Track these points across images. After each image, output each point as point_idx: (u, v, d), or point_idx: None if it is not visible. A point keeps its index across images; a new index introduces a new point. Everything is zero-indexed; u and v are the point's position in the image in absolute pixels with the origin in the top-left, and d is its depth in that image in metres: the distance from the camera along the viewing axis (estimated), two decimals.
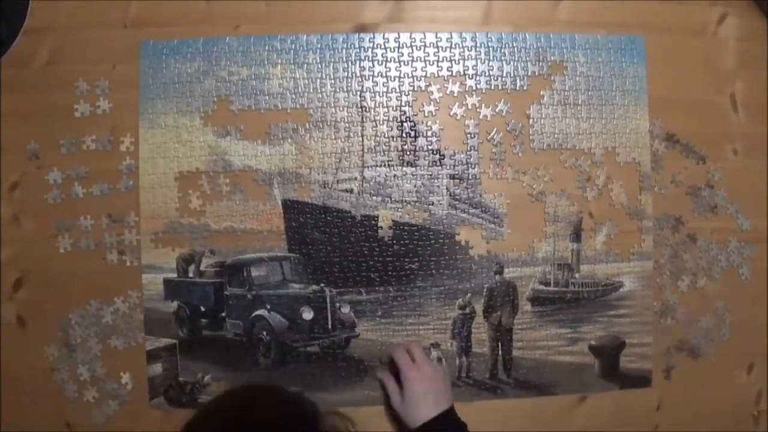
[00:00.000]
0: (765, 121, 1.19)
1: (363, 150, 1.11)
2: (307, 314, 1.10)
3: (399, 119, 1.11)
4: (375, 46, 1.11)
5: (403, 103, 1.11)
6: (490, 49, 1.12)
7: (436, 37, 1.11)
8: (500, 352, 1.13)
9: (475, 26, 1.12)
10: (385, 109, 1.11)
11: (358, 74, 1.11)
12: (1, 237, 1.10)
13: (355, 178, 1.11)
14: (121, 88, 1.09)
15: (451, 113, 1.12)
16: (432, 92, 1.11)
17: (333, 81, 1.10)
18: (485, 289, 1.12)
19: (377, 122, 1.11)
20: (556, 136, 1.13)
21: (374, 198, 1.11)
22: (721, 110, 1.18)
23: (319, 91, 1.10)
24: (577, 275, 1.14)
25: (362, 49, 1.11)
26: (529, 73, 1.13)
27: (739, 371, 1.19)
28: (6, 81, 1.09)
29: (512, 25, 1.13)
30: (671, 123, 1.16)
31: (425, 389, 0.97)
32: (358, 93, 1.11)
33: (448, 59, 1.12)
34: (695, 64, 1.17)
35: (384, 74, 1.11)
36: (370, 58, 1.11)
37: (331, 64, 1.10)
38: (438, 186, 1.12)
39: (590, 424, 1.14)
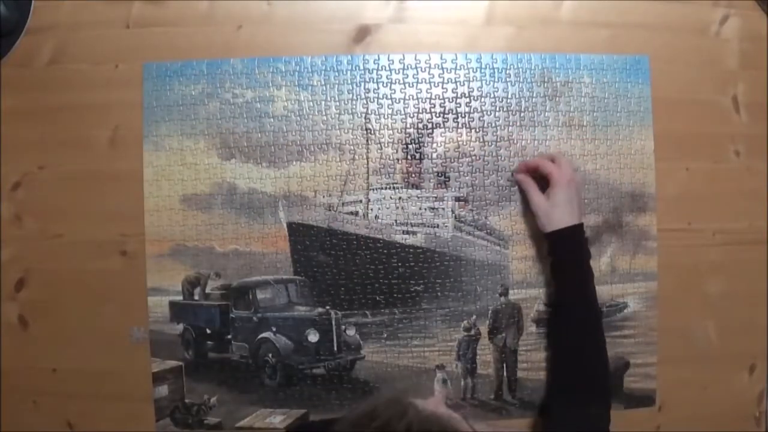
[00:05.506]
0: (767, 123, 1.18)
1: (368, 172, 1.10)
2: (313, 337, 1.11)
3: (404, 141, 1.11)
4: (380, 67, 1.10)
5: (408, 125, 1.11)
6: (495, 70, 1.12)
7: (441, 58, 1.11)
8: (505, 373, 1.13)
9: (478, 27, 1.12)
10: (390, 132, 1.10)
11: (363, 96, 1.10)
12: (3, 237, 1.09)
13: (360, 201, 1.11)
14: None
15: (457, 135, 1.11)
16: (437, 114, 1.11)
17: (338, 103, 1.10)
18: (490, 311, 1.12)
19: (382, 144, 1.10)
20: None
21: (379, 220, 1.11)
22: (723, 111, 1.18)
23: (324, 113, 1.10)
24: None
25: (367, 71, 1.10)
26: (534, 95, 1.12)
27: (740, 372, 1.20)
28: (8, 80, 1.08)
29: (515, 26, 1.12)
30: (673, 123, 1.16)
31: (571, 196, 1.03)
32: (363, 115, 1.10)
33: (453, 81, 1.11)
34: (697, 65, 1.16)
35: (389, 96, 1.10)
36: (375, 80, 1.10)
37: (336, 86, 1.10)
38: (443, 208, 1.12)
39: None
